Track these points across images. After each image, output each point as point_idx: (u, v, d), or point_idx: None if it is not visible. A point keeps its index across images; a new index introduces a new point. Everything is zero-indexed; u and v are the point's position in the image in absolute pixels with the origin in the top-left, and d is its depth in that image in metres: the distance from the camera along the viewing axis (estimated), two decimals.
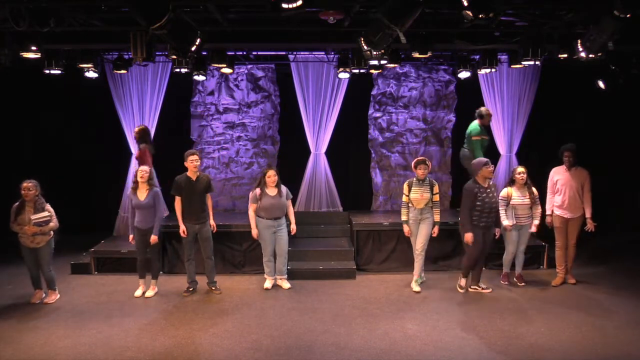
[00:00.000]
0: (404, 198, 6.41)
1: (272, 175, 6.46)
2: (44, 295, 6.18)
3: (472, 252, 6.22)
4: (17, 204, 5.93)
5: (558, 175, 6.54)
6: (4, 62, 6.20)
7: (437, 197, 6.39)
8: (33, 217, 5.82)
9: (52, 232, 6.04)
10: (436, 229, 6.40)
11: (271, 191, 6.48)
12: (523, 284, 6.60)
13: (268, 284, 6.63)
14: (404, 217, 6.43)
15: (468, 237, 6.12)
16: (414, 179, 6.40)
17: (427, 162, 6.37)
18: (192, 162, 6.28)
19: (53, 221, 5.99)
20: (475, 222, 6.14)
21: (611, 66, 6.96)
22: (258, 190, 6.49)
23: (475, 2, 4.40)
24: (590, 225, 6.40)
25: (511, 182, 6.49)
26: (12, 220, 5.91)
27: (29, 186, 5.85)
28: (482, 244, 6.19)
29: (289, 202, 6.67)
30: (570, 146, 6.48)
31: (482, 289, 6.44)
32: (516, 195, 6.37)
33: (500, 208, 6.34)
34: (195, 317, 5.66)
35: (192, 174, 6.32)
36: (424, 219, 6.37)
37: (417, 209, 6.35)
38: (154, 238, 6.23)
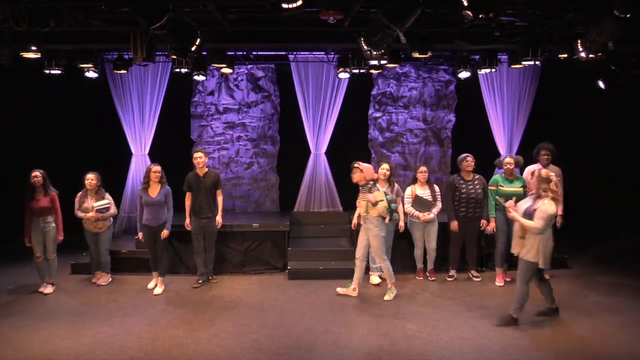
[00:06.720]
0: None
1: (385, 169, 6.64)
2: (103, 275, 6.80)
3: (454, 239, 6.82)
4: (80, 193, 6.58)
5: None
6: (4, 62, 6.21)
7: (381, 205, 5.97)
8: (95, 204, 6.48)
9: (111, 219, 6.74)
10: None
11: (382, 186, 6.48)
12: (434, 279, 6.88)
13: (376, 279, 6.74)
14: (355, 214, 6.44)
15: (452, 225, 6.69)
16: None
17: (356, 165, 6.04)
18: (195, 160, 6.60)
19: (112, 208, 6.66)
20: (456, 212, 6.70)
21: (611, 66, 6.96)
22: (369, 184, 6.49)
23: (475, 2, 4.41)
24: (559, 220, 6.58)
25: (414, 180, 6.88)
26: (76, 208, 6.54)
27: (93, 177, 6.50)
28: (463, 233, 6.70)
29: (399, 200, 6.78)
30: (548, 145, 6.62)
31: (473, 276, 6.85)
32: (420, 193, 6.74)
33: (406, 205, 6.73)
34: (195, 317, 5.66)
35: (199, 170, 6.61)
36: (367, 229, 6.11)
37: (362, 216, 6.19)
38: (165, 233, 6.45)
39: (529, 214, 5.11)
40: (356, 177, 6.07)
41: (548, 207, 5.00)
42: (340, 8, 5.15)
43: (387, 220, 6.07)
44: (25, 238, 6.24)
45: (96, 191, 6.54)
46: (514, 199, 5.56)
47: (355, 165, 6.06)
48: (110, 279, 6.83)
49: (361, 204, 6.11)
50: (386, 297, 6.15)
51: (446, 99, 8.83)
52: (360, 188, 6.13)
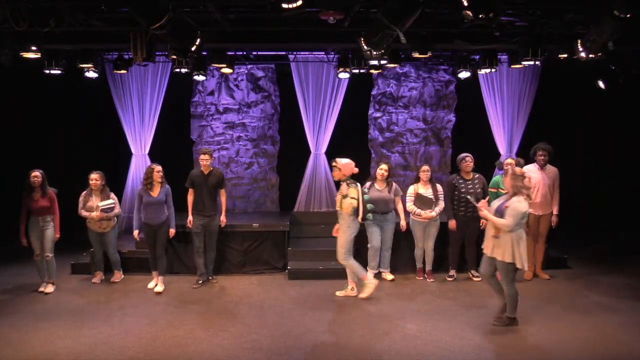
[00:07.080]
0: None
1: (384, 170, 6.65)
2: (103, 276, 6.84)
3: (453, 239, 6.80)
4: (84, 192, 6.56)
5: (530, 174, 6.56)
6: (4, 62, 6.21)
7: (350, 204, 5.96)
8: (100, 204, 6.48)
9: (116, 218, 6.72)
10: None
11: (380, 186, 6.63)
12: (432, 280, 6.84)
13: (371, 276, 6.66)
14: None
15: (450, 224, 6.68)
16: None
17: (334, 164, 6.08)
18: (201, 161, 6.65)
19: (117, 208, 6.69)
20: (455, 211, 6.68)
21: (611, 66, 6.97)
22: (367, 184, 6.63)
23: (475, 2, 4.41)
24: (554, 220, 6.70)
25: (417, 179, 6.85)
26: (80, 207, 6.52)
27: (97, 177, 6.51)
28: (462, 232, 6.70)
29: (398, 199, 6.76)
30: (545, 146, 6.66)
31: (473, 276, 6.82)
32: (422, 192, 6.72)
33: (408, 203, 6.70)
34: (195, 317, 5.66)
35: (204, 169, 6.65)
36: (340, 224, 6.21)
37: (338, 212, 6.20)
38: (172, 232, 6.57)
39: (500, 212, 5.07)
40: (336, 175, 6.14)
41: (519, 204, 4.96)
42: (340, 8, 5.15)
43: (359, 218, 6.10)
44: (21, 238, 6.22)
45: (101, 190, 6.56)
46: (487, 197, 5.68)
47: (333, 163, 6.12)
48: (122, 276, 6.89)
49: (337, 198, 6.17)
50: (362, 295, 6.09)
51: (446, 99, 8.83)
52: (341, 184, 6.15)
